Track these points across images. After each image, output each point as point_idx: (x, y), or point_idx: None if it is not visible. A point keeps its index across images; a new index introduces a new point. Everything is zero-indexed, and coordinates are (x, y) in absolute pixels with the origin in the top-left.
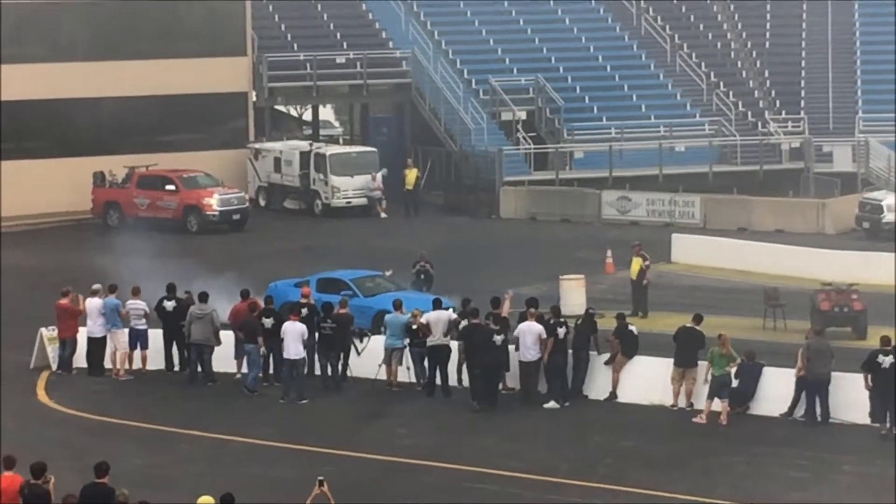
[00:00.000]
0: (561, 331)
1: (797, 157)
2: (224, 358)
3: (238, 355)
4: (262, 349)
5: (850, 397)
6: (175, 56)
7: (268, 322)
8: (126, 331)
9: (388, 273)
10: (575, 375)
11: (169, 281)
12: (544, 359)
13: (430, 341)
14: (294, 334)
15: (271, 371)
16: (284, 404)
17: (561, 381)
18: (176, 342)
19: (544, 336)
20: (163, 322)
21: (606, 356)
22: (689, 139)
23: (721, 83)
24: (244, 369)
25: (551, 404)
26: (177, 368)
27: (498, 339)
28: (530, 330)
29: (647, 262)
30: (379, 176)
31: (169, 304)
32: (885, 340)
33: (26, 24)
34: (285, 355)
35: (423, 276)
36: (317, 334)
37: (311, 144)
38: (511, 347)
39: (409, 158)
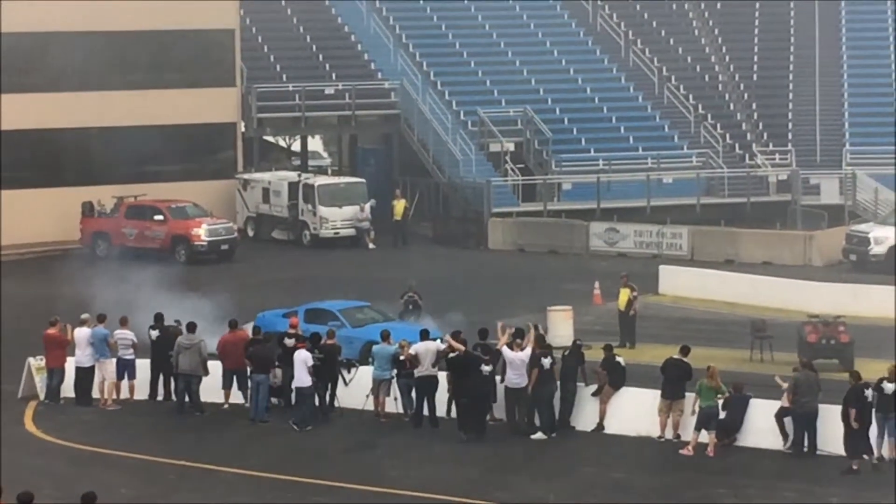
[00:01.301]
0: (546, 361)
1: (784, 189)
2: (212, 388)
3: (226, 385)
4: (277, 381)
5: (838, 429)
6: (164, 87)
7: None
8: (114, 361)
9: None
10: (562, 406)
11: (157, 311)
12: (529, 388)
13: (418, 372)
14: (299, 362)
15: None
16: (282, 433)
17: (548, 411)
18: (162, 372)
19: (527, 360)
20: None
21: (594, 387)
22: (677, 171)
23: (709, 115)
24: (232, 399)
25: (538, 435)
26: (160, 398)
27: (486, 369)
28: (516, 357)
29: (635, 293)
30: (367, 207)
31: (153, 334)
32: (857, 375)
33: (15, 54)
34: (294, 384)
35: (411, 307)
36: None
37: (299, 175)
38: (497, 378)
39: (398, 189)
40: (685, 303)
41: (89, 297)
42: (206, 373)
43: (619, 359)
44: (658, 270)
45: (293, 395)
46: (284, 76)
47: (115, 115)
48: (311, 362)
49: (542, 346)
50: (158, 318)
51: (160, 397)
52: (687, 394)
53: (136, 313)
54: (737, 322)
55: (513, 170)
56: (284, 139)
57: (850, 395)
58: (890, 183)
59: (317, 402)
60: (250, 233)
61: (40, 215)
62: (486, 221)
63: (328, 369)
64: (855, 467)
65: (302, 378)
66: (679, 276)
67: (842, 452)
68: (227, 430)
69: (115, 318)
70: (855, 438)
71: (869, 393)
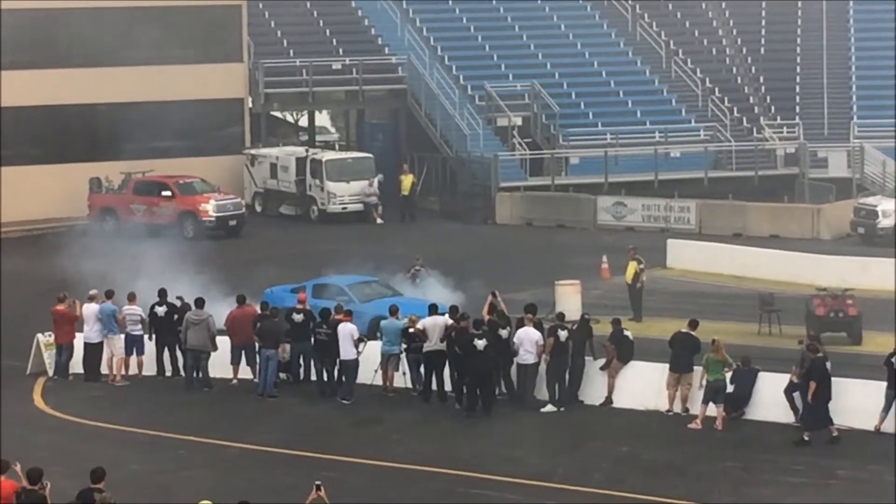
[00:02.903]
0: (563, 333)
1: (792, 162)
2: (220, 364)
3: (234, 361)
4: (286, 355)
5: (846, 402)
6: (171, 62)
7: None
8: (122, 336)
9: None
10: (571, 380)
11: (166, 287)
12: (542, 362)
13: (426, 347)
14: (345, 335)
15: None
16: (290, 408)
17: (561, 384)
18: (167, 347)
19: (541, 343)
20: (154, 328)
21: (602, 361)
22: (685, 145)
23: (716, 89)
24: (240, 375)
25: (549, 408)
26: (168, 374)
27: (480, 343)
28: (528, 336)
29: (642, 266)
30: (375, 182)
31: (160, 310)
32: (815, 349)
33: (22, 30)
34: (341, 356)
35: (417, 280)
36: (313, 340)
37: (307, 150)
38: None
39: (405, 164)
40: (693, 276)
41: (97, 273)
42: (215, 348)
43: (627, 333)
44: (666, 244)
45: (336, 368)
46: (292, 51)
47: (122, 91)
48: (356, 335)
49: (500, 318)
50: (162, 294)
51: (168, 373)
52: (695, 367)
53: (143, 289)
54: (745, 295)
55: (520, 144)
56: (292, 114)
57: (811, 368)
58: None
59: (325, 378)
60: (258, 208)
61: (48, 191)
62: (493, 196)
63: (336, 344)
64: (806, 438)
65: (348, 351)
66: (687, 249)
67: (851, 425)
68: (236, 406)
69: (124, 294)
70: (814, 412)
71: (829, 366)
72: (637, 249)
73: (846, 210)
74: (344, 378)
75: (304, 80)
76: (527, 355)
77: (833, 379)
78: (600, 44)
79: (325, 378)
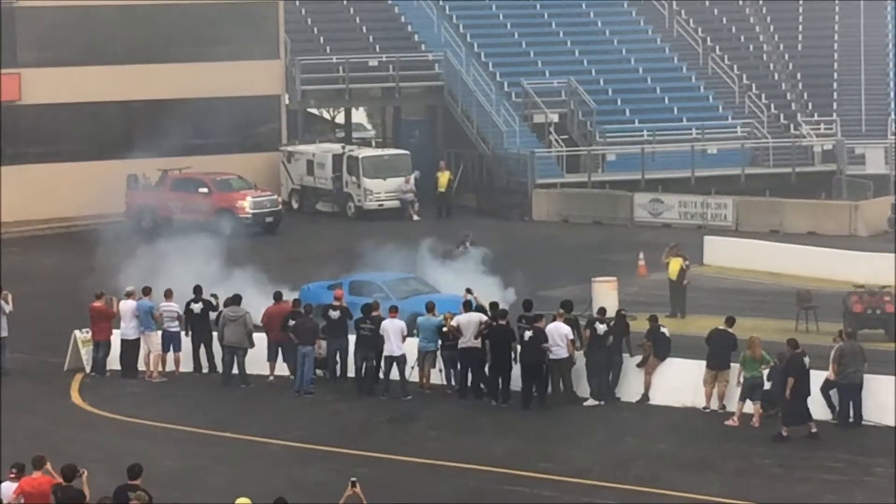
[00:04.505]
0: (601, 326)
1: (829, 159)
2: (257, 360)
3: (271, 357)
4: (322, 352)
5: (883, 400)
6: (208, 59)
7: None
8: (159, 333)
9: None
10: (608, 377)
11: (203, 284)
12: (573, 356)
13: (462, 343)
14: (395, 331)
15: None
16: (326, 405)
17: (600, 379)
18: (204, 344)
19: (570, 337)
20: (190, 324)
21: (639, 358)
22: (722, 141)
23: (753, 85)
24: (277, 371)
25: (591, 402)
26: (205, 370)
27: (528, 333)
28: (557, 330)
29: (687, 262)
30: (411, 178)
31: (196, 307)
32: (795, 344)
33: (60, 27)
34: (386, 353)
35: (461, 258)
36: (355, 335)
37: (343, 147)
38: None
39: (442, 161)
40: (730, 273)
41: (133, 270)
42: (252, 345)
43: (663, 329)
44: (703, 241)
45: (383, 364)
46: (328, 48)
47: (159, 88)
48: (406, 332)
49: (602, 315)
50: (198, 290)
51: (205, 370)
52: (732, 364)
53: (179, 286)
54: (782, 292)
55: (557, 141)
56: (328, 111)
57: (789, 364)
58: None
59: (363, 373)
60: (295, 205)
61: (85, 188)
62: (530, 193)
63: (378, 339)
64: (784, 434)
65: (399, 347)
66: (724, 246)
67: (889, 423)
68: (273, 402)
69: (161, 291)
70: (792, 407)
71: (807, 361)
72: (680, 246)
73: (884, 207)
74: (399, 376)
75: (341, 77)
76: (557, 350)
77: (869, 376)
78: (637, 40)
79: (364, 373)
